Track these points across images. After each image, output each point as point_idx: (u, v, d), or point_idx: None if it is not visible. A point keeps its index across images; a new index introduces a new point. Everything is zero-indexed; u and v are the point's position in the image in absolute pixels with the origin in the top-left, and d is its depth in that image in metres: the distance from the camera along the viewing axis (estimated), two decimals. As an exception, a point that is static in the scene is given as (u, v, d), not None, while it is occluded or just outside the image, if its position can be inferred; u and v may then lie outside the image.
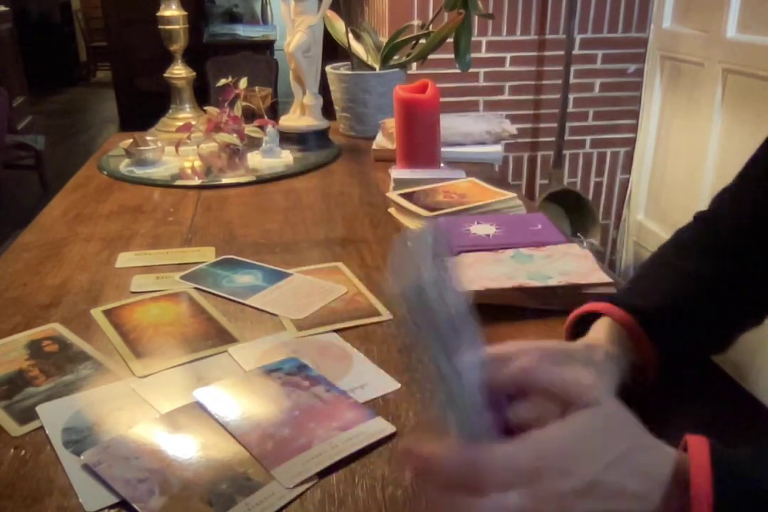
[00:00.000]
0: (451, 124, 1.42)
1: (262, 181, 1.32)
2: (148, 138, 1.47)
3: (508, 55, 2.47)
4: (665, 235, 2.49)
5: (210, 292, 0.86)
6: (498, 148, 1.44)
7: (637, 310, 0.60)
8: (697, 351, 0.64)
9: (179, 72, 1.59)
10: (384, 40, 1.63)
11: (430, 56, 1.58)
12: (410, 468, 0.43)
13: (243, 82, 1.43)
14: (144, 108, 3.89)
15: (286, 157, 1.43)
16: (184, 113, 1.61)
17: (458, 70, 1.59)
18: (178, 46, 1.58)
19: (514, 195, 1.11)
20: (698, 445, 0.42)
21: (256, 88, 1.57)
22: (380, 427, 0.60)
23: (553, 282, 0.81)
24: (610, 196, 2.73)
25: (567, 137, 2.55)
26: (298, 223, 1.11)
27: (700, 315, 0.63)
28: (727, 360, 0.67)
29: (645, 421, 0.44)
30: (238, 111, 1.42)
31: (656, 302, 0.62)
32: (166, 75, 1.60)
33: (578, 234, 2.56)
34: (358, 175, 1.37)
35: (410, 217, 1.08)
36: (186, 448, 0.58)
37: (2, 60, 5.07)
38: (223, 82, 1.44)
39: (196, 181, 1.33)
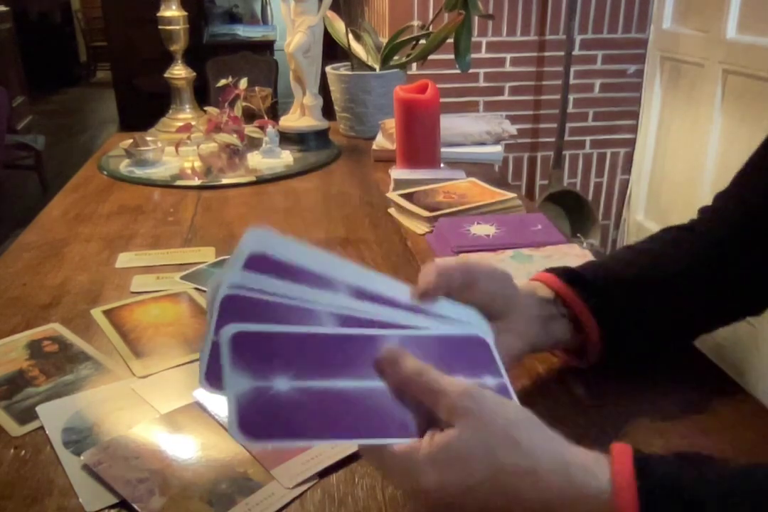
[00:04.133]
0: (451, 125, 1.42)
1: (262, 181, 1.32)
2: (148, 138, 1.47)
3: (508, 56, 2.47)
4: (665, 235, 2.49)
5: (210, 292, 0.86)
6: (498, 149, 1.44)
7: (572, 276, 0.62)
8: (647, 334, 0.63)
9: (179, 72, 1.59)
10: (384, 40, 1.63)
11: (430, 57, 1.57)
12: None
13: (243, 83, 1.43)
14: (144, 108, 3.89)
15: (286, 158, 1.43)
16: (184, 113, 1.60)
17: (458, 71, 1.59)
18: (178, 47, 1.57)
19: (514, 195, 1.11)
20: (621, 455, 0.41)
21: (256, 89, 1.57)
22: (380, 427, 0.60)
23: (553, 282, 0.80)
24: (610, 197, 2.73)
25: (567, 138, 2.56)
26: (298, 223, 1.11)
27: (649, 294, 0.63)
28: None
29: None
30: (238, 111, 1.42)
31: (598, 273, 0.63)
32: (166, 75, 1.60)
33: (578, 234, 2.56)
34: (358, 175, 1.37)
35: (410, 217, 1.09)
36: (186, 448, 0.58)
37: (2, 60, 5.08)
38: (223, 82, 1.44)
39: (196, 182, 1.33)
